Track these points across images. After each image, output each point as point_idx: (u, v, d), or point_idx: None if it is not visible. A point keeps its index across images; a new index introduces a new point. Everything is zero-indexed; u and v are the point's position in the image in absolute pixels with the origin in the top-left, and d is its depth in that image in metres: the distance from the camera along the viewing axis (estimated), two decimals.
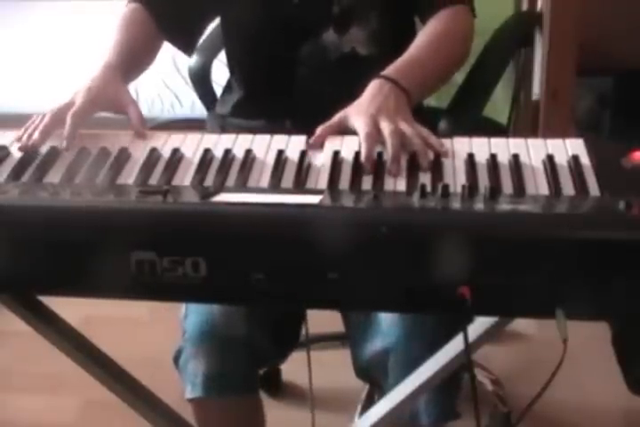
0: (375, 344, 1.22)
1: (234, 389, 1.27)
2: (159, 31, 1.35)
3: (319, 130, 1.08)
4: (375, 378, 1.26)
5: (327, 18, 1.34)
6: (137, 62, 1.30)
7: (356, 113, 1.10)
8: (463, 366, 1.13)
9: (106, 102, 1.16)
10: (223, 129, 1.45)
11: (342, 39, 1.34)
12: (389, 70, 1.18)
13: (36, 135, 1.09)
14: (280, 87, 1.38)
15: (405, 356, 1.18)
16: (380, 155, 1.03)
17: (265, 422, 1.42)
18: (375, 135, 1.04)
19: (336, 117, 1.11)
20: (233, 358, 1.25)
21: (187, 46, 1.44)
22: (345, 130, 1.09)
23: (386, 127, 1.04)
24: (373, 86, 1.15)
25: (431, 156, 1.01)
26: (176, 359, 1.29)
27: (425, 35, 1.28)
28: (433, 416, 1.21)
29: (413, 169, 1.00)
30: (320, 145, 1.06)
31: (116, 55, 1.25)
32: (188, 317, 1.27)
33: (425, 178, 0.98)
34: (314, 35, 1.34)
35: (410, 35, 1.41)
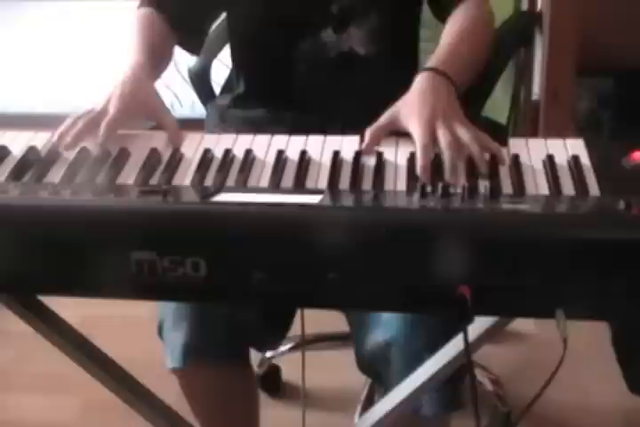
0: (377, 336, 1.22)
1: (213, 359, 1.26)
2: (173, 32, 1.35)
3: (369, 134, 1.06)
4: (377, 370, 1.26)
5: (326, 16, 1.34)
6: (160, 62, 1.30)
7: (410, 115, 1.07)
8: (463, 366, 1.13)
9: (138, 110, 1.15)
10: (222, 119, 1.45)
11: (341, 38, 1.34)
12: (435, 62, 1.15)
13: (68, 139, 1.09)
14: (279, 84, 1.38)
15: (407, 347, 1.18)
16: (380, 154, 1.03)
17: (258, 398, 1.41)
18: (431, 145, 1.01)
19: (386, 117, 1.08)
20: (213, 329, 1.23)
21: (195, 47, 1.45)
22: (396, 130, 1.07)
23: (443, 136, 1.02)
24: (423, 80, 1.12)
25: (487, 156, 1.00)
26: (159, 330, 1.28)
27: (453, 28, 1.26)
28: (436, 407, 1.21)
29: (413, 169, 1.00)
30: (373, 150, 1.04)
31: (141, 57, 1.24)
32: None
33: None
34: (312, 33, 1.34)
35: (409, 35, 1.41)
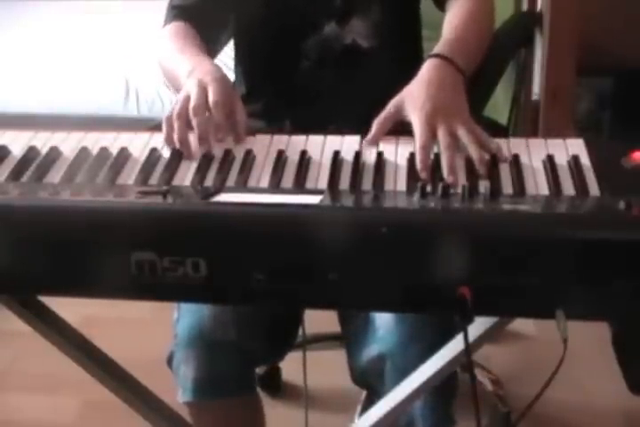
0: (372, 350, 1.22)
1: (224, 392, 1.27)
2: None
3: (376, 124, 1.07)
4: (371, 384, 1.26)
5: (330, 10, 1.34)
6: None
7: (414, 108, 1.07)
8: (463, 366, 1.13)
9: (233, 96, 1.12)
10: None
11: (343, 31, 1.34)
12: (441, 49, 1.15)
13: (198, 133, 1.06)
14: (283, 81, 1.38)
15: (402, 362, 1.18)
16: (380, 154, 1.03)
17: (264, 420, 1.42)
18: (430, 146, 1.02)
19: (391, 107, 1.09)
20: (222, 362, 1.24)
21: (215, 55, 1.44)
22: (400, 120, 1.08)
23: (442, 137, 1.02)
24: (430, 67, 1.12)
25: (487, 156, 1.00)
26: (169, 362, 1.29)
27: (455, 14, 1.26)
28: (429, 423, 1.21)
29: (413, 169, 1.00)
30: (377, 141, 1.05)
31: (202, 55, 1.21)
32: (179, 320, 1.27)
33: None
34: (317, 28, 1.34)
35: (412, 28, 1.41)
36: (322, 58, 1.35)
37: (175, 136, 1.06)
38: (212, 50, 1.35)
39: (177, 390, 1.28)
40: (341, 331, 1.36)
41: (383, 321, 1.21)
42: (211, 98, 1.08)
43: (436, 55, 1.13)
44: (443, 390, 1.19)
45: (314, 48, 1.35)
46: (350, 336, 1.31)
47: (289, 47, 1.35)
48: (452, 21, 1.24)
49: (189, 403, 1.28)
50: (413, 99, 1.08)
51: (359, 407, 1.74)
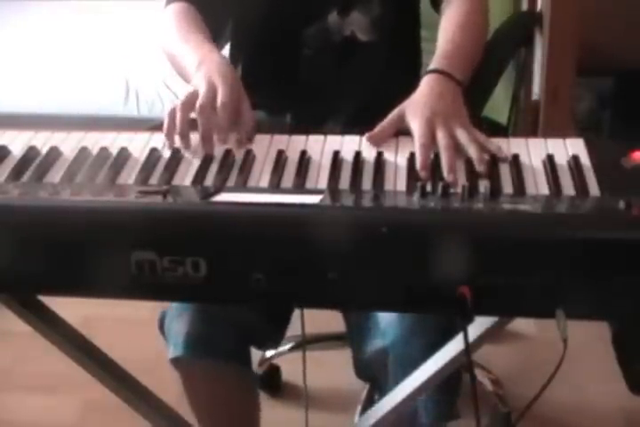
0: (375, 343, 1.22)
1: (215, 353, 1.26)
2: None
3: (379, 126, 1.08)
4: (375, 377, 1.26)
5: (331, 0, 1.34)
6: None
7: (413, 113, 1.08)
8: (463, 366, 1.13)
9: (240, 93, 1.12)
10: None
11: (344, 22, 1.34)
12: (440, 63, 1.16)
13: (201, 128, 1.06)
14: (284, 71, 1.38)
15: (404, 355, 1.18)
16: (380, 154, 1.03)
17: (258, 399, 1.41)
18: (430, 145, 1.02)
19: (394, 115, 1.10)
20: (217, 323, 1.24)
21: (221, 43, 1.42)
22: (402, 127, 1.08)
23: (441, 137, 1.03)
24: (430, 81, 1.13)
25: (487, 156, 1.01)
26: (161, 323, 1.28)
27: (451, 19, 1.26)
28: (432, 415, 1.21)
29: (413, 169, 1.00)
30: (377, 141, 1.06)
31: (208, 44, 1.20)
32: None
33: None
34: (320, 16, 1.34)
35: (411, 25, 1.41)
36: (322, 47, 1.35)
37: (177, 123, 1.06)
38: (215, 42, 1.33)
39: (167, 350, 1.26)
40: (345, 324, 1.36)
41: (385, 315, 1.21)
42: (219, 99, 1.08)
43: (435, 70, 1.14)
44: (447, 388, 1.20)
45: (315, 36, 1.35)
46: (353, 330, 1.31)
47: (291, 33, 1.35)
48: (447, 28, 1.25)
49: (179, 359, 1.25)
50: (413, 107, 1.10)
51: (359, 407, 1.74)
